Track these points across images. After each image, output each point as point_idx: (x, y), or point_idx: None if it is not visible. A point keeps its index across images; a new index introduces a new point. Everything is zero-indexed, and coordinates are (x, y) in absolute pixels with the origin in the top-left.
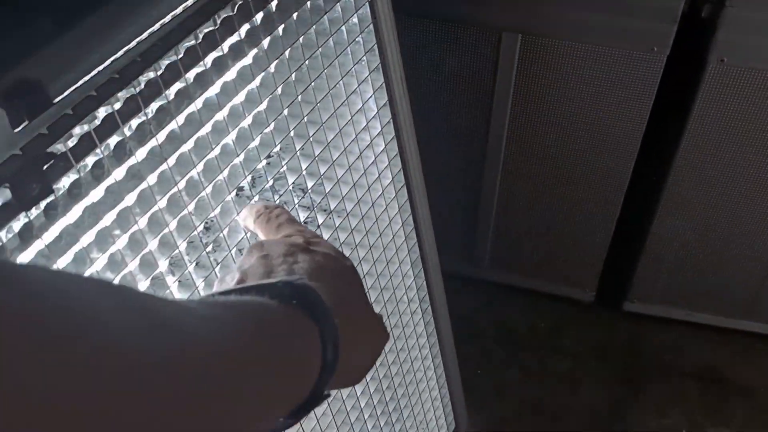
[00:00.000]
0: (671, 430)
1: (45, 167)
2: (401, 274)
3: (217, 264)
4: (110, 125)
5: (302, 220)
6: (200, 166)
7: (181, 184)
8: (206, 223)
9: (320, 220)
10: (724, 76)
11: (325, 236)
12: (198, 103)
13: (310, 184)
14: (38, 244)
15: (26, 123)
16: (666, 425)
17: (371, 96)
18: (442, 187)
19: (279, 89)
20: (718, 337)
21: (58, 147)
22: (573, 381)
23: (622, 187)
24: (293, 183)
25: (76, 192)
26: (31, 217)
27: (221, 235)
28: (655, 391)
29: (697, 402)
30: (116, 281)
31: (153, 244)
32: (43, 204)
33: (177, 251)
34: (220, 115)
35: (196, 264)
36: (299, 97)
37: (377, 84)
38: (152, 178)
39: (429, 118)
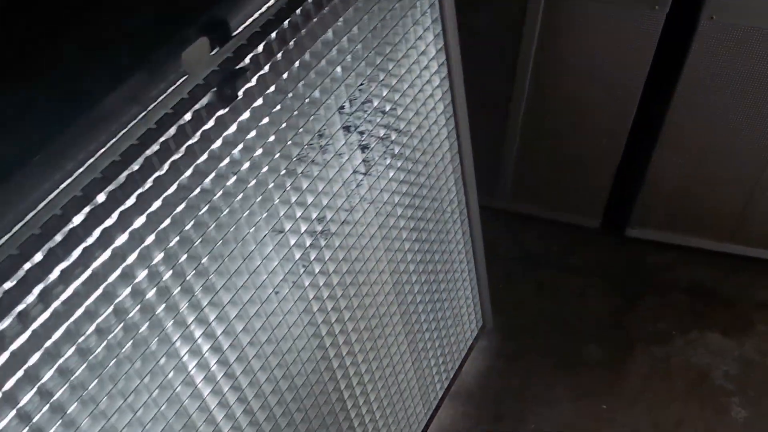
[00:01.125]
0: (663, 333)
1: (234, 78)
2: (446, 188)
3: (326, 163)
4: (270, 54)
5: (380, 135)
6: (319, 89)
7: (306, 101)
8: (320, 131)
9: (393, 137)
10: (714, 31)
11: (396, 150)
12: (319, 44)
13: (387, 107)
14: (232, 128)
15: (218, 49)
16: (659, 329)
17: (431, 41)
18: (471, 129)
19: (369, 34)
20: (707, 258)
21: (241, 64)
22: (581, 294)
23: (625, 127)
24: (376, 107)
25: (249, 96)
26: (223, 112)
27: (330, 141)
28: (651, 302)
29: (686, 311)
30: (265, 165)
31: (293, 142)
32: (230, 105)
33: (303, 149)
34: (334, 50)
35: (312, 161)
36: (383, 39)
37: (436, 31)
38: (296, 91)
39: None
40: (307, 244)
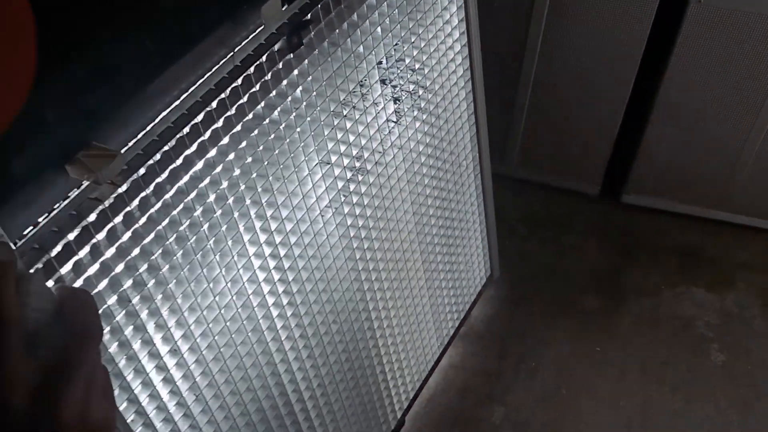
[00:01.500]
0: (653, 286)
1: (299, 29)
2: (463, 144)
3: (365, 109)
4: (327, 11)
5: (410, 89)
6: (362, 45)
7: (352, 54)
8: (361, 81)
9: (420, 93)
10: (702, 14)
11: (422, 105)
12: (364, 7)
13: (416, 66)
14: (296, 71)
15: (287, 5)
16: (649, 283)
17: (454, 12)
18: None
19: (404, 1)
20: (694, 223)
21: (305, 18)
22: (580, 252)
23: (623, 103)
24: (407, 65)
25: (309, 46)
26: (290, 57)
27: (369, 90)
28: (643, 260)
29: (674, 268)
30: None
31: (340, 88)
32: (295, 52)
33: (348, 95)
34: (376, 13)
35: (354, 107)
36: (416, 7)
37: (459, 3)
38: (344, 45)
39: None
40: (348, 177)
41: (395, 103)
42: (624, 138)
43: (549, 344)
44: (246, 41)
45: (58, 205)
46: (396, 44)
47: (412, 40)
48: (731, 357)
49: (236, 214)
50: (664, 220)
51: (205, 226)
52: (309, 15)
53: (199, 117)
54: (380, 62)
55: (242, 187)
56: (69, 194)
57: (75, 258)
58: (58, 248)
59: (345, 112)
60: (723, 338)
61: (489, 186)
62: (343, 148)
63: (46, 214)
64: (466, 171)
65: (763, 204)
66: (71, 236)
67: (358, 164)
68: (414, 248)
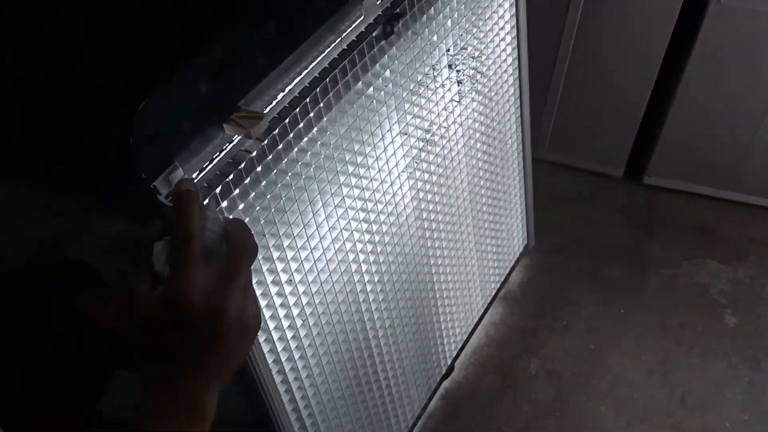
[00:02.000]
0: (672, 258)
1: (391, 20)
2: (509, 124)
3: (435, 89)
4: (411, 6)
5: (470, 74)
6: (436, 35)
7: (428, 42)
8: (433, 65)
9: (478, 77)
10: (721, 12)
11: (478, 88)
12: (439, 3)
13: (476, 54)
14: (385, 56)
15: (381, 0)
16: (669, 255)
17: (507, 8)
18: None
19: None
20: (710, 202)
21: (396, 11)
22: (606, 227)
23: (646, 93)
24: (469, 53)
25: (398, 35)
26: (384, 43)
27: (438, 73)
28: (662, 235)
29: (691, 242)
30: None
31: (417, 71)
32: (387, 38)
33: (423, 76)
34: (447, 8)
35: (427, 87)
36: (477, 4)
37: (511, 1)
38: (423, 34)
39: None
40: (420, 147)
41: (458, 85)
42: (647, 125)
43: (579, 306)
44: (350, 29)
45: (218, 154)
46: (461, 35)
47: (474, 32)
48: (743, 320)
49: (339, 171)
50: (682, 200)
51: (317, 179)
52: (398, 9)
53: (317, 89)
54: (448, 50)
55: (345, 147)
56: (225, 147)
57: (231, 195)
58: (219, 188)
59: (420, 91)
60: (735, 304)
61: (529, 163)
62: (417, 121)
63: (209, 162)
64: (511, 148)
65: None
66: (229, 179)
67: (427, 136)
68: (467, 214)
